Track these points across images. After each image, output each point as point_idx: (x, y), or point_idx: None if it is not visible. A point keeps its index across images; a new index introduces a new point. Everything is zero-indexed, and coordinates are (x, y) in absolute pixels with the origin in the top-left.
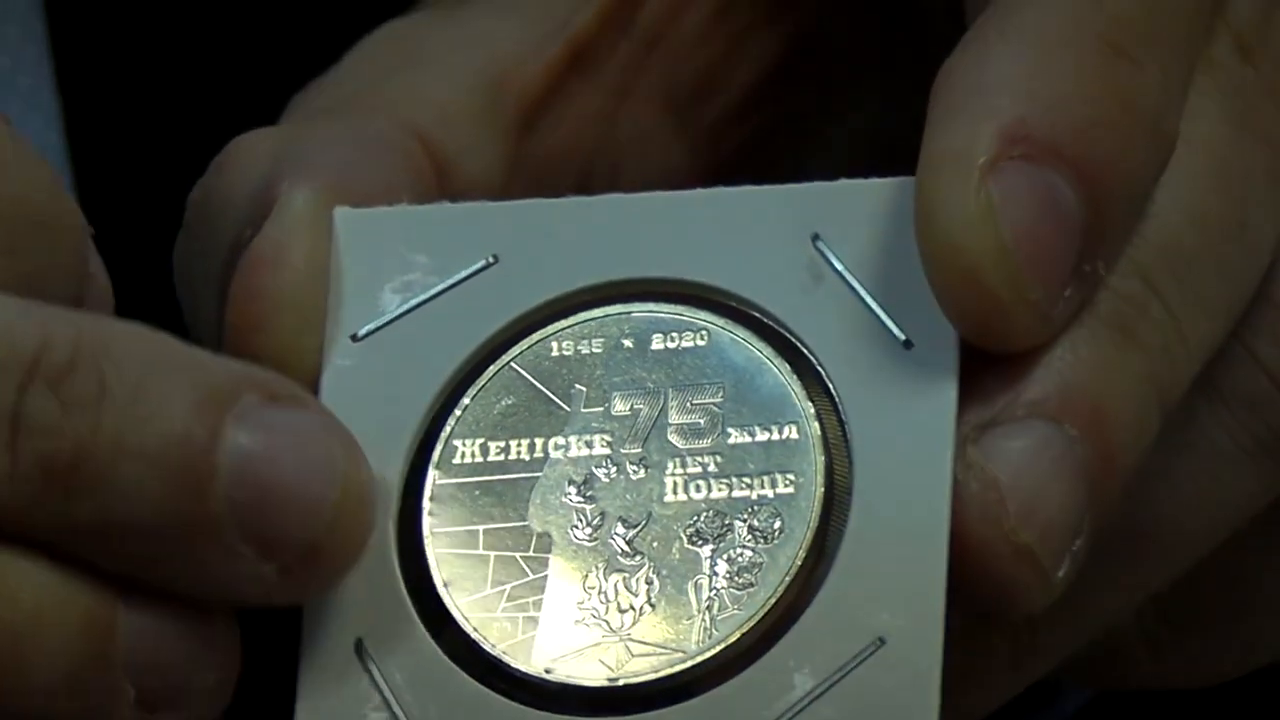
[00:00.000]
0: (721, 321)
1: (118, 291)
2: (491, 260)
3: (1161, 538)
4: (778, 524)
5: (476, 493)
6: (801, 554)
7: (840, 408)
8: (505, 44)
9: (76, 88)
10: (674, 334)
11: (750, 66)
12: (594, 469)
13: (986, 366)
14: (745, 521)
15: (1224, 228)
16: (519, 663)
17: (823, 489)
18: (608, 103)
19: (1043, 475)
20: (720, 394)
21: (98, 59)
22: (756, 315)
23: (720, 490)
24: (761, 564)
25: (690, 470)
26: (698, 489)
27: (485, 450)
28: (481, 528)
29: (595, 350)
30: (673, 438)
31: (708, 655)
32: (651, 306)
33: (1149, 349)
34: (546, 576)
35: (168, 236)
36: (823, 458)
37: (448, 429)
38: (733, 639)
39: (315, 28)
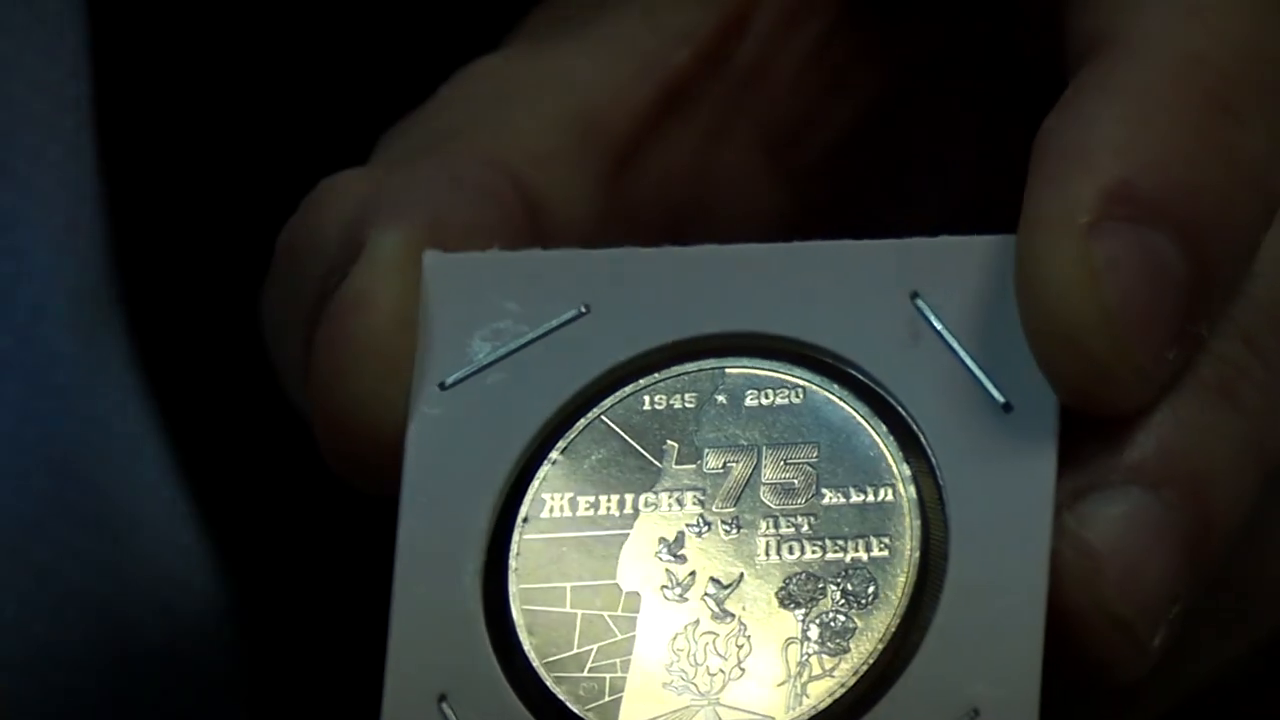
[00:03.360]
0: (817, 379)
1: (177, 348)
2: (583, 310)
3: (1267, 593)
4: (871, 589)
5: (565, 549)
6: (895, 620)
7: (937, 470)
8: (598, 83)
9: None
10: (769, 390)
11: (847, 109)
12: (685, 527)
13: (1082, 430)
14: (839, 585)
15: None
16: None
17: (918, 554)
18: (701, 144)
19: (1140, 544)
20: (815, 453)
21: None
22: (853, 373)
23: (813, 552)
24: (854, 629)
25: (783, 531)
26: (790, 550)
27: (574, 505)
28: (569, 585)
29: (688, 405)
30: (766, 497)
31: None
32: (746, 362)
33: (1250, 412)
34: (634, 637)
35: (230, 287)
36: (918, 522)
37: (536, 482)
38: (824, 706)
39: (402, 65)
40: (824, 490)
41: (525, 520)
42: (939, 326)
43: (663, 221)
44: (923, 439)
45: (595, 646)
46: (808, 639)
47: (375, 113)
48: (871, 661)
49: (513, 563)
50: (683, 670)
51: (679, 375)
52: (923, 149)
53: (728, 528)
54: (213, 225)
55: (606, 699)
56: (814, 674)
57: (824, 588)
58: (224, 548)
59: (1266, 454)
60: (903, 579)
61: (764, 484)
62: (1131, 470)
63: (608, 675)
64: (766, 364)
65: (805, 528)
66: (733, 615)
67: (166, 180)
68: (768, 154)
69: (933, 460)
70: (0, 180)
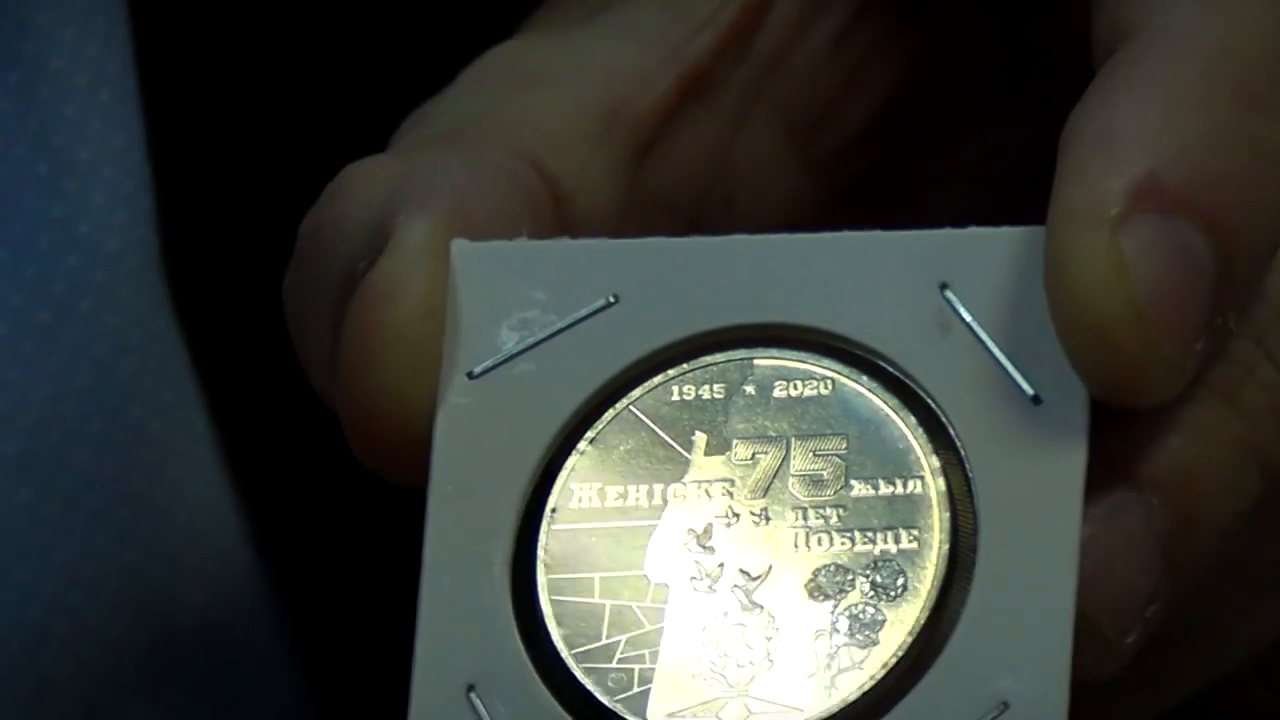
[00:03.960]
0: (846, 370)
1: (226, 331)
2: (612, 300)
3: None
4: (901, 581)
5: (593, 539)
6: (925, 613)
7: (966, 463)
8: (620, 70)
9: (164, 116)
10: (797, 381)
11: (870, 95)
12: (714, 518)
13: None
14: (868, 577)
15: None
16: (634, 716)
17: (947, 546)
18: (724, 131)
19: (1115, 546)
20: (844, 445)
21: (188, 81)
22: (882, 365)
23: (842, 544)
24: (884, 621)
25: (812, 523)
26: (819, 542)
27: (603, 495)
28: (598, 575)
29: (717, 396)
30: (794, 489)
31: (827, 714)
32: (775, 353)
33: (1251, 413)
34: (663, 628)
35: (270, 266)
36: (947, 514)
37: (565, 472)
38: (853, 698)
39: (419, 50)
40: (853, 482)
41: (554, 511)
42: (968, 318)
43: (684, 209)
44: (952, 431)
45: (624, 637)
46: (837, 631)
47: (394, 98)
48: (901, 654)
49: (541, 553)
50: (711, 662)
51: (707, 366)
52: (942, 138)
53: (756, 519)
54: (253, 203)
55: (635, 690)
56: (843, 666)
57: (853, 580)
58: (264, 521)
59: (1268, 454)
60: (932, 571)
61: (793, 475)
62: (1117, 470)
63: (636, 666)
64: (795, 355)
65: (834, 519)
66: (762, 607)
67: (209, 155)
68: (788, 142)
69: (962, 452)
70: (42, 155)
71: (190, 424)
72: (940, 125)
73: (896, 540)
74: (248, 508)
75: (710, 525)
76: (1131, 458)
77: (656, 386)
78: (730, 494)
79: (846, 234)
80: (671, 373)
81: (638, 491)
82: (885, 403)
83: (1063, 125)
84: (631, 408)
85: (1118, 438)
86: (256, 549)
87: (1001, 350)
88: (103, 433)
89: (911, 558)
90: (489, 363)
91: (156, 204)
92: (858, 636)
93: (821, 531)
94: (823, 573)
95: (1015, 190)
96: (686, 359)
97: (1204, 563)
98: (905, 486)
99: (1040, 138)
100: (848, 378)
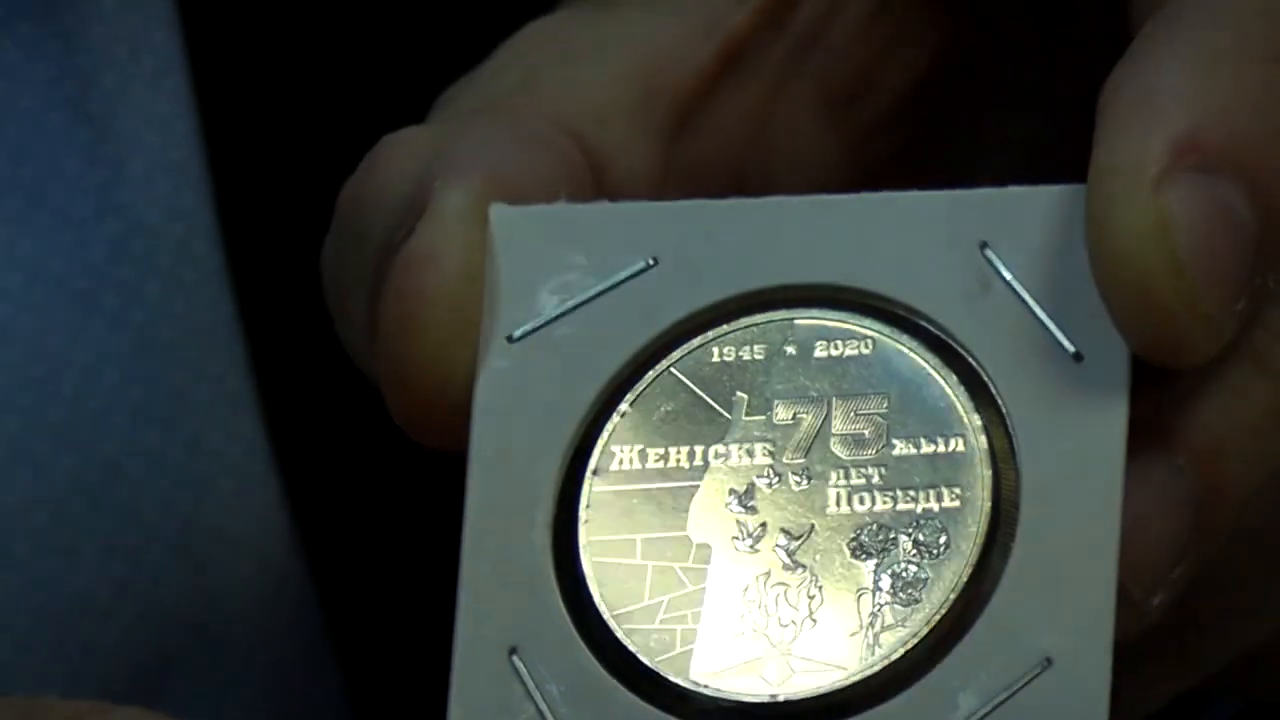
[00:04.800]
0: (887, 330)
1: (260, 293)
2: (651, 262)
3: None
4: (943, 539)
5: (635, 501)
6: (968, 570)
7: (1008, 421)
8: (659, 41)
9: (213, 83)
10: (838, 341)
11: (907, 67)
12: (755, 479)
13: None
14: (910, 536)
15: None
16: (677, 676)
17: (989, 504)
18: (762, 102)
19: (1140, 507)
20: (885, 404)
21: (234, 54)
22: (923, 324)
23: (885, 503)
24: (926, 579)
25: (854, 482)
26: (861, 501)
27: (644, 457)
28: (640, 537)
29: (757, 357)
30: (836, 448)
31: (871, 672)
32: (815, 313)
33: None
34: (705, 589)
35: (309, 235)
36: (989, 472)
37: (605, 435)
38: (896, 656)
39: (459, 24)
40: (894, 441)
41: (595, 473)
42: (1008, 277)
43: (722, 179)
44: (993, 389)
45: (666, 598)
46: (879, 589)
47: (438, 67)
48: (944, 612)
49: (583, 515)
50: (754, 621)
51: (748, 327)
52: (977, 112)
53: (798, 479)
54: (299, 172)
55: (678, 650)
56: (886, 624)
57: (895, 538)
58: (306, 491)
59: None
60: (974, 529)
61: (834, 435)
62: (1145, 433)
63: (679, 627)
64: (835, 315)
65: (876, 478)
66: (804, 566)
67: (257, 123)
68: (826, 112)
69: (1003, 410)
70: (81, 122)
71: (233, 393)
72: (975, 99)
73: (939, 498)
74: (290, 477)
75: (752, 485)
76: (1160, 421)
77: (697, 348)
78: (772, 454)
79: (886, 194)
80: (712, 334)
81: (679, 453)
82: (926, 362)
83: (1096, 99)
84: (672, 369)
85: (1147, 401)
86: (299, 518)
87: (1042, 308)
88: (144, 401)
89: (954, 516)
90: (529, 326)
91: (209, 173)
92: (900, 595)
93: (863, 490)
94: (865, 532)
95: (1049, 164)
96: (727, 320)
97: (1230, 526)
98: (947, 445)
99: (1073, 112)
100: (889, 337)
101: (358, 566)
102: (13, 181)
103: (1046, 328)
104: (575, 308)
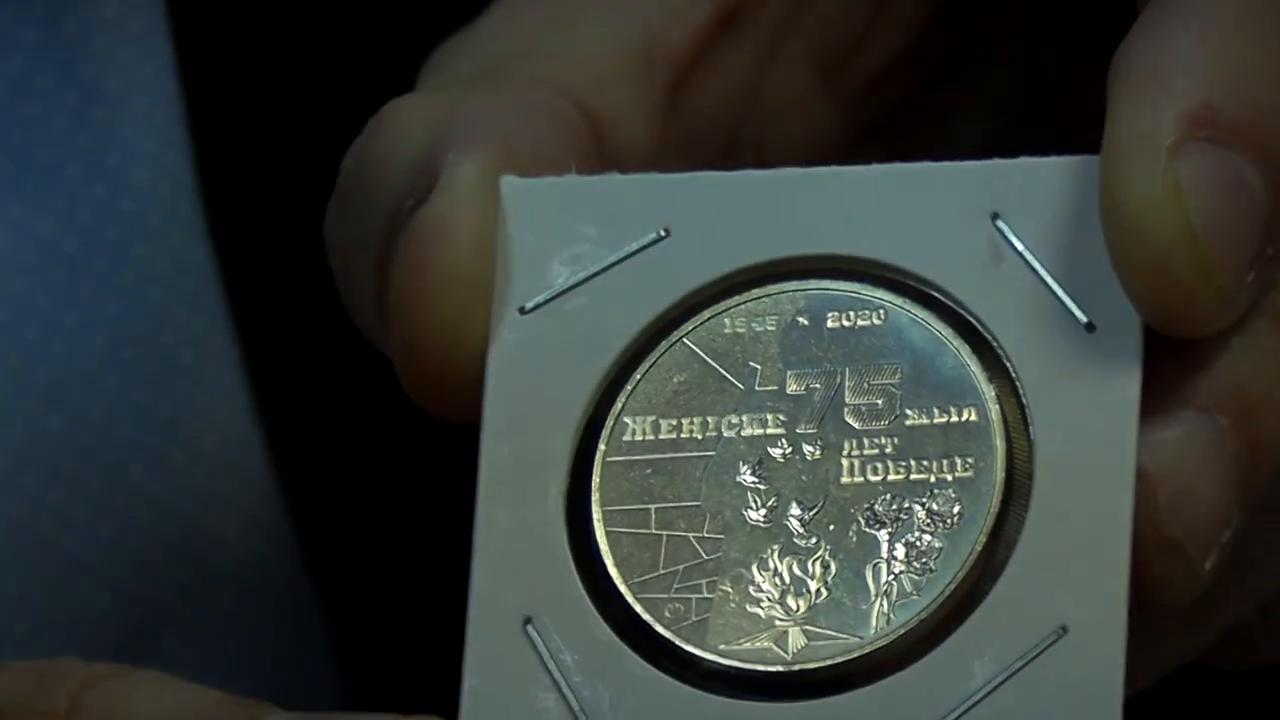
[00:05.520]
0: (899, 300)
1: (247, 254)
2: (663, 234)
3: None
4: (957, 508)
5: (648, 471)
6: (982, 539)
7: (1021, 390)
8: (656, 5)
9: (198, 45)
10: (850, 312)
11: (899, 28)
12: (768, 449)
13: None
14: (924, 505)
15: None
16: (692, 645)
17: (1003, 473)
18: (756, 65)
19: (1192, 468)
20: (898, 374)
21: (220, 14)
22: (935, 295)
23: (898, 473)
24: (941, 549)
25: (867, 452)
26: (875, 471)
27: (657, 428)
28: (653, 507)
29: (769, 328)
30: (849, 418)
31: (885, 642)
32: (827, 284)
33: None
34: (720, 558)
35: (295, 196)
36: (1003, 441)
37: (618, 406)
38: (911, 625)
39: None
40: (907, 411)
41: (608, 443)
42: (1020, 247)
43: (717, 141)
44: (1005, 359)
45: (680, 568)
46: (894, 559)
47: (424, 26)
48: (958, 581)
49: (596, 486)
50: (769, 591)
51: (760, 298)
52: (969, 69)
53: (811, 449)
54: (285, 132)
55: (693, 619)
56: (901, 594)
57: (909, 508)
58: (293, 451)
59: None
60: (988, 499)
61: (847, 405)
62: (1187, 394)
63: (694, 597)
64: (848, 286)
65: (889, 449)
66: (818, 536)
67: (241, 83)
68: (819, 75)
69: (1016, 380)
70: (70, 85)
71: (221, 353)
72: (967, 57)
73: (952, 468)
74: (277, 437)
75: (765, 456)
76: (1199, 381)
77: (709, 319)
78: (785, 425)
79: (899, 166)
80: (724, 305)
81: (691, 423)
82: (939, 332)
83: (1087, 54)
84: (685, 340)
85: (1186, 362)
86: (285, 479)
87: (1055, 279)
88: (132, 361)
89: (967, 485)
90: (541, 298)
91: (191, 133)
92: (914, 565)
93: (877, 460)
94: (879, 501)
95: (1041, 120)
96: (739, 291)
97: (1267, 484)
98: (960, 415)
99: (1065, 67)
100: (901, 308)
101: (347, 527)
102: (2, 144)
103: (1059, 298)
104: (587, 279)
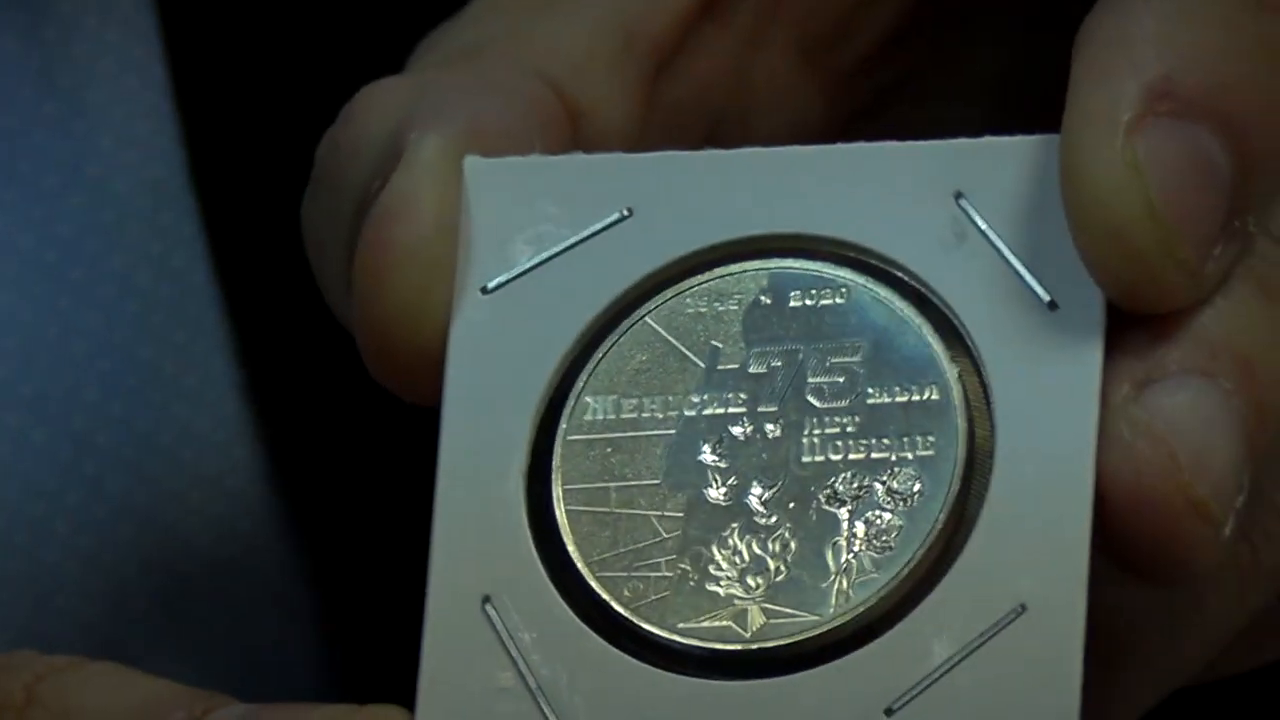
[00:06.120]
0: (862, 279)
1: (232, 265)
2: (626, 213)
3: None
4: (917, 487)
5: (608, 450)
6: (942, 518)
7: (982, 369)
8: None
9: (182, 55)
10: (813, 291)
11: (883, 12)
12: (729, 428)
13: (1133, 324)
14: (884, 484)
15: None
16: (651, 624)
17: (964, 452)
18: (740, 50)
19: (1207, 429)
20: (859, 353)
21: (203, 25)
22: (898, 274)
23: (859, 451)
24: (900, 527)
25: (828, 430)
26: (835, 450)
27: (618, 407)
28: (613, 485)
29: (732, 307)
30: (810, 397)
31: (844, 620)
32: (790, 263)
33: None
34: (679, 537)
35: (280, 205)
36: (964, 420)
37: (580, 385)
38: (870, 604)
39: None
40: (869, 389)
41: (569, 423)
42: (983, 226)
43: (701, 127)
44: (968, 338)
45: (640, 547)
46: (854, 537)
47: (414, 19)
48: (917, 559)
49: (556, 464)
50: (728, 570)
51: (723, 277)
52: (955, 53)
53: (772, 428)
54: (272, 142)
55: (651, 598)
56: (860, 572)
57: (870, 487)
58: (274, 462)
59: None
60: (948, 477)
61: (809, 384)
62: (1187, 359)
63: (653, 575)
64: (810, 265)
65: (850, 427)
66: (778, 515)
67: (229, 94)
68: (803, 59)
69: (978, 359)
70: (49, 95)
71: (201, 365)
72: (954, 41)
73: (913, 447)
74: (257, 448)
75: (726, 435)
76: (1199, 348)
77: (671, 298)
78: (746, 404)
79: (861, 145)
80: (686, 284)
81: (653, 402)
82: (901, 311)
83: (1073, 36)
84: (647, 319)
85: (1182, 331)
86: (266, 490)
87: (1017, 257)
88: (112, 373)
89: (928, 464)
90: (503, 277)
91: (180, 144)
92: (874, 543)
93: (838, 439)
94: (839, 480)
95: (1027, 104)
96: (701, 271)
97: (1270, 445)
98: (921, 394)
99: (1051, 50)
100: (863, 286)
101: (328, 538)
102: None
103: (1021, 277)
104: (549, 259)
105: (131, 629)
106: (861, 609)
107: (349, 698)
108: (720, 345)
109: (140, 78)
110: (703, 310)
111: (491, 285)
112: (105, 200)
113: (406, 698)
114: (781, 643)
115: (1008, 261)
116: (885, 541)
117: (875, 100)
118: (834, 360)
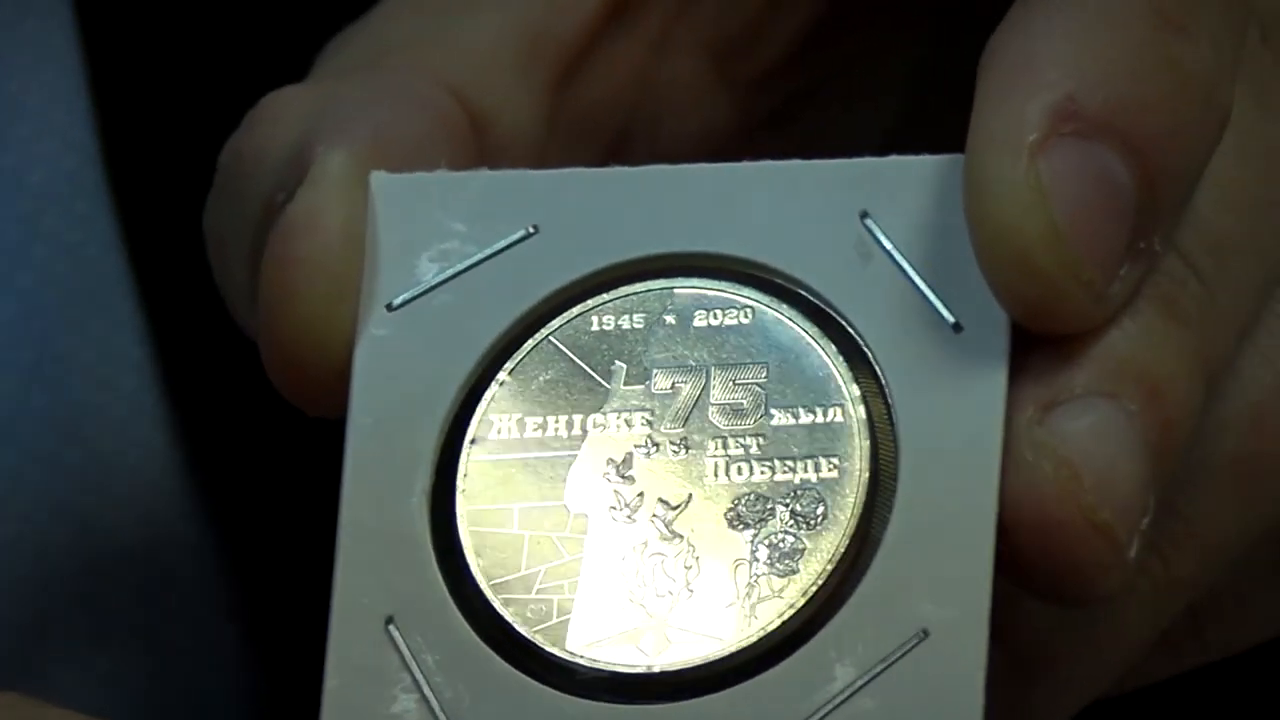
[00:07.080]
0: (766, 299)
1: (149, 255)
2: (532, 230)
3: None
4: (820, 509)
5: (512, 470)
6: (844, 541)
7: (887, 391)
8: None
9: (99, 46)
10: (717, 310)
11: (794, 17)
12: (633, 448)
13: (1039, 346)
14: (788, 506)
15: (1254, 205)
16: (553, 646)
17: (867, 474)
18: (648, 56)
19: (1111, 452)
20: (764, 374)
21: (121, 15)
22: (802, 294)
23: (762, 473)
24: (803, 550)
25: (732, 452)
26: (739, 471)
27: (522, 426)
28: (517, 506)
29: (636, 326)
30: (714, 418)
31: (746, 643)
32: (695, 282)
33: (1191, 323)
34: (582, 559)
35: (197, 195)
36: (868, 442)
37: (484, 404)
38: (773, 627)
39: None
40: (773, 410)
41: (473, 441)
42: (888, 246)
43: (609, 135)
44: (872, 359)
45: (543, 568)
46: (757, 560)
47: (320, 26)
48: (821, 582)
49: (460, 484)
50: (631, 592)
51: (627, 295)
52: (867, 59)
53: (676, 448)
54: (189, 136)
55: (554, 620)
56: (763, 595)
57: (773, 509)
58: (194, 452)
59: (1208, 360)
60: (852, 499)
61: (713, 404)
62: (1092, 382)
63: (555, 597)
64: (715, 284)
65: (754, 448)
66: (681, 536)
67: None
68: (713, 66)
69: (882, 380)
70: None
71: (120, 355)
72: (864, 46)
73: (816, 469)
74: (178, 438)
75: (630, 455)
76: (1105, 369)
77: (576, 317)
78: (650, 424)
79: (767, 164)
80: (591, 303)
81: (557, 422)
82: (806, 331)
83: (984, 42)
84: (551, 338)
85: (1088, 352)
86: (187, 479)
87: (922, 278)
88: (31, 363)
89: (831, 486)
90: (408, 294)
91: (96, 135)
92: (777, 565)
93: (741, 460)
94: (742, 502)
95: (940, 110)
96: (606, 289)
97: (1177, 467)
98: (825, 415)
99: (965, 56)
100: (768, 306)
101: (251, 529)
102: None
103: (926, 298)
104: (455, 276)
105: (50, 618)
106: (765, 632)
107: (268, 691)
108: (624, 365)
109: (57, 67)
110: (608, 329)
111: (397, 302)
112: (22, 190)
113: (317, 708)
114: (683, 666)
115: (913, 282)
116: (789, 564)
117: (785, 106)
118: (739, 380)
